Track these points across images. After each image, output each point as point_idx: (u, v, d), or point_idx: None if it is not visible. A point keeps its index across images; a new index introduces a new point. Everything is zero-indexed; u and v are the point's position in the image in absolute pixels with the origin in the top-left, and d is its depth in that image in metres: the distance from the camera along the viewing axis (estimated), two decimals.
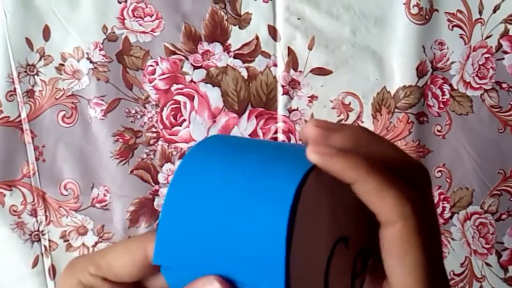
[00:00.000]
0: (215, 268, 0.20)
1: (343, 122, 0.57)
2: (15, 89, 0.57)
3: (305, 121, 0.21)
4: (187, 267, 0.21)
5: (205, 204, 0.21)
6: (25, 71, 0.57)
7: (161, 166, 0.58)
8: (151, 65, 0.57)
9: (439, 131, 0.57)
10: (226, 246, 0.20)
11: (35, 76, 0.57)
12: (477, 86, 0.57)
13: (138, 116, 0.58)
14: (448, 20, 0.56)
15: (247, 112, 0.57)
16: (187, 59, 0.57)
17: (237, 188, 0.21)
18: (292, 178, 0.20)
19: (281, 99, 0.57)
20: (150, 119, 0.58)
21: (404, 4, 0.55)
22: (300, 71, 0.57)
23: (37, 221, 0.58)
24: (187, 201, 0.21)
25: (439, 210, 0.58)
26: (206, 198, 0.21)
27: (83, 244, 0.58)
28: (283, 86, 0.57)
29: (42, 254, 0.58)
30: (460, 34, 0.56)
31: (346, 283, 0.24)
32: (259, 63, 0.57)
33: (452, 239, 0.58)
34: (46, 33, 0.57)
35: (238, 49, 0.57)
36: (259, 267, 0.19)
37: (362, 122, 0.57)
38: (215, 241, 0.20)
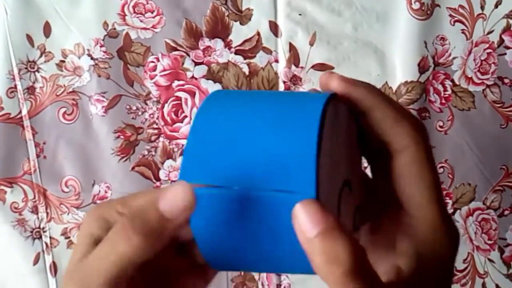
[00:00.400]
0: (244, 177, 0.20)
1: None
2: (15, 85, 0.57)
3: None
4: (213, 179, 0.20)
5: (232, 124, 0.21)
6: (26, 68, 0.57)
7: (162, 163, 0.58)
8: (152, 62, 0.57)
9: (441, 126, 0.57)
10: (256, 157, 0.20)
11: (36, 73, 0.57)
12: (479, 81, 0.57)
13: (139, 113, 0.57)
14: (450, 15, 0.56)
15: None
16: (188, 55, 0.57)
17: (262, 113, 0.21)
18: (316, 103, 0.21)
19: None
20: (151, 116, 0.57)
21: None
22: (302, 67, 0.57)
23: (38, 218, 0.58)
24: (213, 123, 0.21)
25: None
26: (233, 121, 0.21)
27: None
28: (284, 82, 0.57)
29: (43, 251, 0.58)
30: (462, 29, 0.56)
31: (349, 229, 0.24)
32: (260, 59, 0.57)
33: None
34: (47, 30, 0.57)
35: (239, 45, 0.57)
36: (291, 172, 0.19)
37: None
38: (245, 154, 0.20)
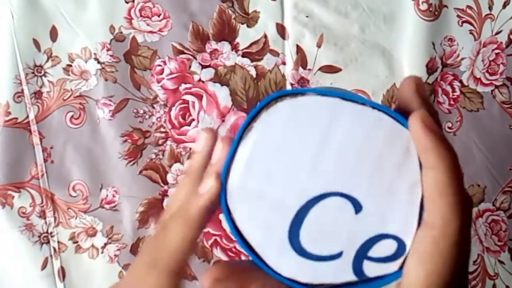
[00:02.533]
0: None
1: None
2: (22, 90, 0.57)
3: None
4: None
5: None
6: (33, 72, 0.57)
7: (170, 166, 0.58)
8: (159, 65, 0.57)
9: (449, 127, 0.57)
10: None
11: (43, 77, 0.57)
12: (488, 82, 0.56)
13: (147, 116, 0.57)
14: (458, 16, 0.55)
15: None
16: (195, 58, 0.57)
17: None
18: None
19: None
20: (159, 119, 0.57)
21: (413, 0, 0.55)
22: (309, 69, 0.56)
23: (46, 223, 0.58)
24: None
25: None
26: None
27: (93, 246, 0.58)
28: (292, 85, 0.56)
29: (51, 256, 0.58)
30: (470, 30, 0.56)
31: None
32: (267, 62, 0.56)
33: None
34: (53, 34, 0.57)
35: (247, 48, 0.56)
36: None
37: None
38: None
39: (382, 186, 0.24)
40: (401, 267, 0.24)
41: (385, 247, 0.24)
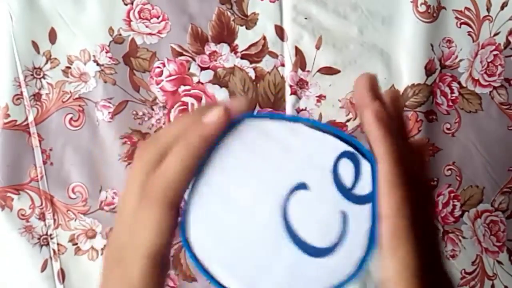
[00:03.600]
0: None
1: (351, 121, 0.57)
2: (21, 92, 0.56)
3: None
4: None
5: None
6: (32, 75, 0.57)
7: None
8: (158, 67, 0.57)
9: (448, 129, 0.57)
10: None
11: (42, 79, 0.57)
12: (486, 83, 0.57)
13: (146, 118, 0.57)
14: (456, 17, 0.56)
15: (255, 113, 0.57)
16: (194, 60, 0.57)
17: None
18: None
19: (289, 99, 0.57)
20: (158, 121, 0.57)
21: (411, 2, 0.55)
22: (308, 71, 0.56)
23: (45, 225, 0.58)
24: None
25: (449, 209, 0.57)
26: None
27: (92, 248, 0.58)
28: (291, 86, 0.57)
29: (51, 258, 0.58)
30: (468, 32, 0.56)
31: None
32: (266, 63, 0.57)
33: (463, 237, 0.57)
34: (52, 36, 0.56)
35: (245, 50, 0.57)
36: None
37: None
38: None
39: None
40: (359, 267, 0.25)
41: None
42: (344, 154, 0.26)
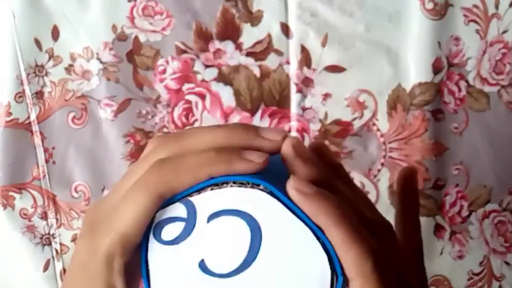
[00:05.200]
0: None
1: (357, 120, 0.56)
2: (24, 90, 0.56)
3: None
4: None
5: None
6: (34, 72, 0.56)
7: None
8: (162, 65, 0.56)
9: (455, 128, 0.56)
10: None
11: (44, 77, 0.56)
12: (494, 82, 0.56)
13: (149, 117, 0.57)
14: (464, 15, 0.55)
15: (260, 111, 0.56)
16: (199, 58, 0.56)
17: None
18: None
19: (295, 98, 0.56)
20: (162, 120, 0.57)
21: None
22: (314, 69, 0.56)
23: (47, 224, 0.57)
24: None
25: (456, 209, 0.57)
26: None
27: None
28: (296, 84, 0.56)
29: (53, 257, 0.57)
30: (476, 29, 0.55)
31: None
32: (271, 61, 0.56)
33: (471, 238, 0.57)
34: (55, 34, 0.56)
35: (250, 47, 0.56)
36: None
37: (377, 119, 0.56)
38: None
39: None
40: None
41: None
42: None
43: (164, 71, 0.56)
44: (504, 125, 0.56)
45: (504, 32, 0.55)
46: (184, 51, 0.56)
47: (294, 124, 0.56)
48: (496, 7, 0.55)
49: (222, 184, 0.23)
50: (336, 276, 0.22)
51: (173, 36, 0.56)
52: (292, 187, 0.22)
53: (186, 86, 0.56)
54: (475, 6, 0.55)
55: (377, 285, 0.22)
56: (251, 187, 0.22)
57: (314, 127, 0.56)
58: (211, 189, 0.23)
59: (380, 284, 0.22)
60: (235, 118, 0.56)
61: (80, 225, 0.57)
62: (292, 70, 0.56)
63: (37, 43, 0.56)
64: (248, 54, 0.56)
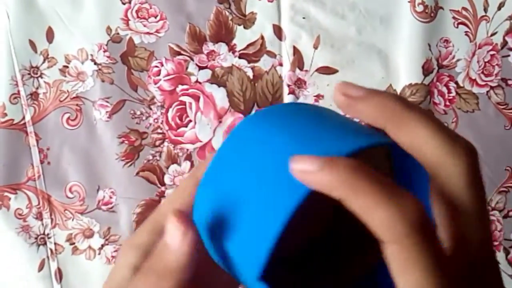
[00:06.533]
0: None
1: None
2: (19, 91, 0.56)
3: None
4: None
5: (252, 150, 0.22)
6: (29, 74, 0.56)
7: (167, 168, 0.58)
8: (156, 66, 0.57)
9: None
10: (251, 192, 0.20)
11: (39, 79, 0.57)
12: (483, 83, 0.57)
13: (144, 118, 0.57)
14: (453, 17, 0.56)
15: (253, 112, 0.57)
16: (192, 59, 0.57)
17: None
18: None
19: (287, 99, 0.57)
20: (156, 120, 0.57)
21: (409, 2, 0.55)
22: (306, 70, 0.57)
23: (42, 224, 0.58)
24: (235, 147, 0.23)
25: None
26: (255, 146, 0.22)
27: (90, 247, 0.58)
28: (289, 86, 0.57)
29: (48, 257, 0.58)
30: (466, 32, 0.56)
31: None
32: (264, 63, 0.57)
33: None
34: (50, 35, 0.56)
35: (243, 49, 0.57)
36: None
37: None
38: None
39: None
40: None
41: None
42: None
43: (158, 73, 0.57)
44: (493, 125, 0.57)
45: (493, 34, 0.56)
46: (178, 53, 0.57)
47: None
48: (485, 10, 0.56)
49: None
50: None
51: (167, 38, 0.56)
52: (295, 168, 0.18)
53: (180, 88, 0.57)
54: (465, 9, 0.56)
55: (418, 247, 0.17)
56: None
57: None
58: None
59: (423, 246, 0.17)
60: (229, 119, 0.57)
61: (74, 225, 0.58)
62: (285, 71, 0.57)
63: (32, 44, 0.56)
64: (241, 56, 0.57)
